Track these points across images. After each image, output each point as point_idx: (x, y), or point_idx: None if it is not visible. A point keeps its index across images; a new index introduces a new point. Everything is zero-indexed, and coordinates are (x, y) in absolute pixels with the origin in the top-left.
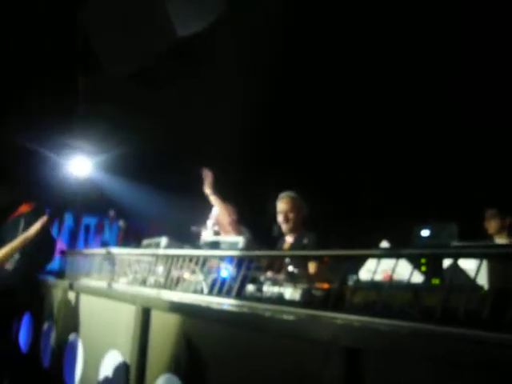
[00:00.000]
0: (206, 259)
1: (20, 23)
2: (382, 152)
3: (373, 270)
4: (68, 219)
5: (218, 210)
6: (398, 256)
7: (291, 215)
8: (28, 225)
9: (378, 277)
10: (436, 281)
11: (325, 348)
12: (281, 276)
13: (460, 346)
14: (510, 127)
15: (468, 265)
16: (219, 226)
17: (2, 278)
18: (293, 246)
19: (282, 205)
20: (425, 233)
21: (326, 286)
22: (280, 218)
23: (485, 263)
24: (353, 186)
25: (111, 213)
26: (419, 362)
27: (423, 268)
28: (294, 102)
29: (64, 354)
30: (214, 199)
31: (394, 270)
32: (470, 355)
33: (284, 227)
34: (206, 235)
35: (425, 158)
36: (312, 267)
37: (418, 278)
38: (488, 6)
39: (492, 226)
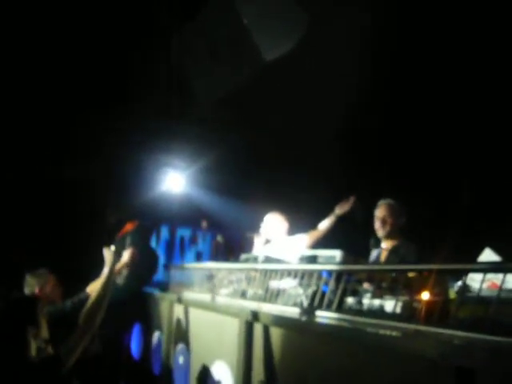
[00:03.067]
0: (304, 273)
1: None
2: (480, 146)
3: (477, 279)
4: (164, 231)
5: (272, 218)
6: (506, 271)
7: (389, 220)
8: (133, 242)
9: (484, 285)
10: None
11: (433, 366)
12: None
13: None
14: None
15: None
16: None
17: (114, 292)
18: (390, 254)
19: (380, 210)
20: None
21: (428, 298)
22: (377, 224)
23: None
24: (451, 191)
25: (203, 224)
26: None
27: None
28: (392, 103)
29: (173, 363)
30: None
31: (502, 282)
32: None
33: (380, 232)
34: (259, 242)
35: None
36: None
37: None
38: None
39: None
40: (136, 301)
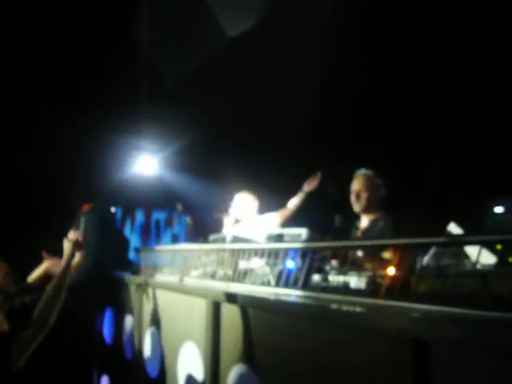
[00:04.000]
0: (270, 252)
1: (81, 31)
2: (452, 127)
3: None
4: (139, 215)
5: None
6: (464, 243)
7: (365, 194)
8: (88, 223)
9: (446, 261)
10: None
11: (391, 339)
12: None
13: None
14: None
15: None
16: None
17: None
18: (367, 231)
19: (355, 183)
20: (498, 209)
21: (390, 274)
22: (352, 198)
23: None
24: (422, 164)
25: (179, 206)
26: (490, 353)
27: (499, 246)
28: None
29: (144, 346)
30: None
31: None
32: None
33: (355, 207)
34: (228, 222)
35: (496, 130)
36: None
37: (489, 259)
38: None
39: None
40: (106, 285)
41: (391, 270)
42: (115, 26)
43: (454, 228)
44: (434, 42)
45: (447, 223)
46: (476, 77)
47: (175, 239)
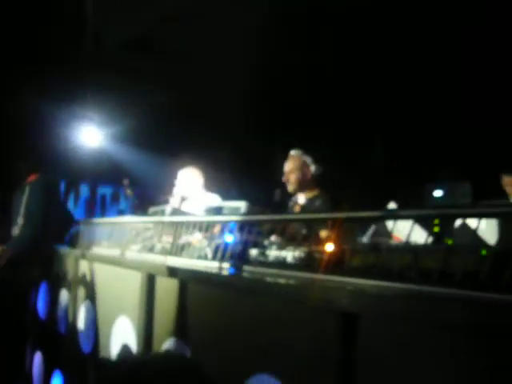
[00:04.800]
0: (209, 225)
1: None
2: (393, 108)
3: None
4: (83, 189)
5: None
6: (396, 217)
7: (294, 175)
8: (32, 193)
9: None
10: (449, 241)
11: (321, 312)
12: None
13: (457, 307)
14: None
15: (479, 225)
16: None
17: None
18: (305, 209)
19: (286, 164)
20: (438, 193)
21: (328, 249)
22: (284, 179)
23: (496, 223)
24: (363, 145)
25: (125, 181)
26: (416, 325)
27: (436, 229)
28: (304, 59)
29: (79, 320)
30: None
31: (409, 233)
32: (467, 316)
33: (289, 188)
34: (174, 202)
35: (437, 114)
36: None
37: (422, 236)
38: None
39: (510, 190)
40: (42, 258)
41: (328, 246)
42: None
43: (393, 206)
44: (376, 22)
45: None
46: (419, 62)
47: (121, 215)
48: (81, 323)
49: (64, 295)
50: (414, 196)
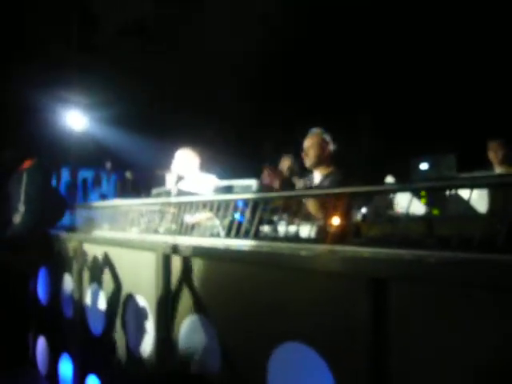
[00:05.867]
0: (220, 204)
1: None
2: (379, 86)
3: (380, 205)
4: (64, 173)
5: (183, 154)
6: (409, 190)
7: (312, 151)
8: (31, 179)
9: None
10: (436, 211)
11: (348, 280)
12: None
13: (480, 269)
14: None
15: (468, 195)
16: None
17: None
18: (319, 185)
19: (305, 141)
20: (423, 166)
21: (339, 222)
22: (302, 154)
23: (486, 193)
24: (351, 123)
25: (107, 165)
26: (443, 287)
27: (423, 200)
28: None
29: (86, 304)
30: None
31: (409, 205)
32: (490, 278)
33: (306, 163)
34: (171, 179)
35: (421, 89)
36: (311, 206)
37: (420, 209)
38: None
39: (495, 156)
40: (40, 244)
41: (336, 220)
42: None
43: (390, 180)
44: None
45: (383, 178)
46: (404, 38)
47: (103, 199)
48: (88, 306)
49: (67, 280)
50: (401, 169)
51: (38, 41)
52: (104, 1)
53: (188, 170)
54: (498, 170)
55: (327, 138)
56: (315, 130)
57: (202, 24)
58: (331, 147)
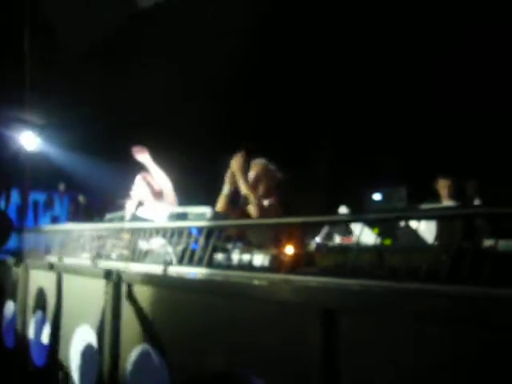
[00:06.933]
0: (174, 231)
1: None
2: (336, 118)
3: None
4: (14, 195)
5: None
6: (362, 221)
7: (262, 183)
8: None
9: (337, 241)
10: (387, 241)
11: (299, 310)
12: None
13: (424, 300)
14: (461, 94)
15: (417, 226)
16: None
17: None
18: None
19: (251, 173)
20: (377, 197)
21: (293, 251)
22: (250, 187)
23: (434, 224)
24: (308, 153)
25: (61, 187)
26: (391, 318)
27: (376, 230)
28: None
29: (29, 332)
30: (152, 168)
31: (359, 234)
32: (434, 307)
33: (252, 196)
34: (131, 206)
35: (376, 122)
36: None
37: (371, 239)
38: None
39: (443, 190)
40: None
41: (289, 249)
42: None
43: (344, 210)
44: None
45: (336, 208)
46: (362, 70)
47: (55, 222)
48: (31, 335)
49: (10, 307)
50: (355, 199)
51: None
52: (63, 17)
53: (147, 197)
54: (446, 203)
55: (272, 167)
56: (259, 161)
57: (168, 42)
58: (278, 176)
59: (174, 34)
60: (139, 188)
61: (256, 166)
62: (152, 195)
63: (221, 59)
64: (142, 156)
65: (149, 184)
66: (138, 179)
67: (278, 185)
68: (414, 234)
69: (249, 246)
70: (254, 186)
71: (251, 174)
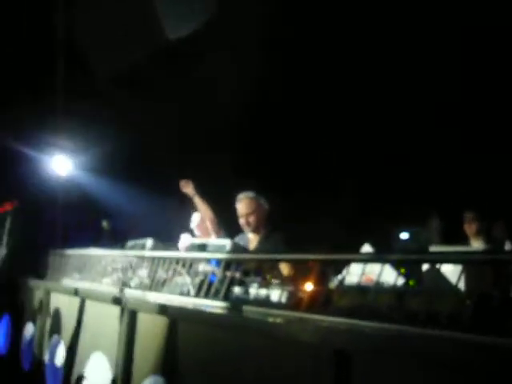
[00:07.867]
0: (192, 261)
1: None
2: (361, 154)
3: (356, 272)
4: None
5: (201, 212)
6: (384, 261)
7: (253, 217)
8: (13, 222)
9: (361, 279)
10: (412, 282)
11: (314, 350)
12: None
13: (443, 347)
14: (492, 129)
15: (445, 267)
16: (201, 229)
17: None
18: (261, 243)
19: (241, 207)
20: (404, 236)
21: (311, 288)
22: (241, 221)
23: (461, 267)
24: (333, 189)
25: (104, 224)
26: (405, 362)
27: (402, 270)
28: (278, 102)
29: (45, 355)
30: (197, 201)
31: (379, 275)
32: (453, 356)
33: (246, 230)
34: (185, 238)
35: (404, 159)
36: (285, 268)
37: (392, 278)
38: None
39: (470, 229)
40: (5, 289)
41: (310, 285)
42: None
43: (368, 249)
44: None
45: (360, 245)
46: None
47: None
48: (48, 358)
49: (30, 328)
50: (382, 237)
51: (22, 82)
52: (94, 45)
53: (201, 231)
54: (474, 243)
55: (262, 200)
56: (249, 195)
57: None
58: (267, 208)
59: (195, 69)
60: (196, 222)
61: (245, 200)
62: (203, 229)
63: (242, 98)
64: (188, 189)
65: (202, 219)
66: (196, 215)
67: (268, 216)
68: (440, 275)
69: (267, 281)
70: (246, 223)
71: (241, 209)
